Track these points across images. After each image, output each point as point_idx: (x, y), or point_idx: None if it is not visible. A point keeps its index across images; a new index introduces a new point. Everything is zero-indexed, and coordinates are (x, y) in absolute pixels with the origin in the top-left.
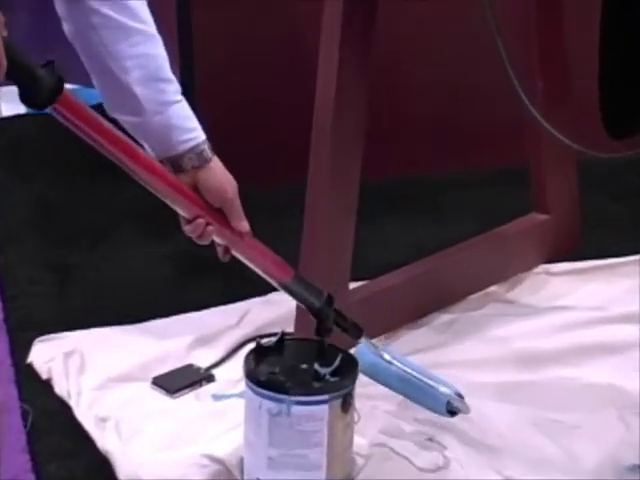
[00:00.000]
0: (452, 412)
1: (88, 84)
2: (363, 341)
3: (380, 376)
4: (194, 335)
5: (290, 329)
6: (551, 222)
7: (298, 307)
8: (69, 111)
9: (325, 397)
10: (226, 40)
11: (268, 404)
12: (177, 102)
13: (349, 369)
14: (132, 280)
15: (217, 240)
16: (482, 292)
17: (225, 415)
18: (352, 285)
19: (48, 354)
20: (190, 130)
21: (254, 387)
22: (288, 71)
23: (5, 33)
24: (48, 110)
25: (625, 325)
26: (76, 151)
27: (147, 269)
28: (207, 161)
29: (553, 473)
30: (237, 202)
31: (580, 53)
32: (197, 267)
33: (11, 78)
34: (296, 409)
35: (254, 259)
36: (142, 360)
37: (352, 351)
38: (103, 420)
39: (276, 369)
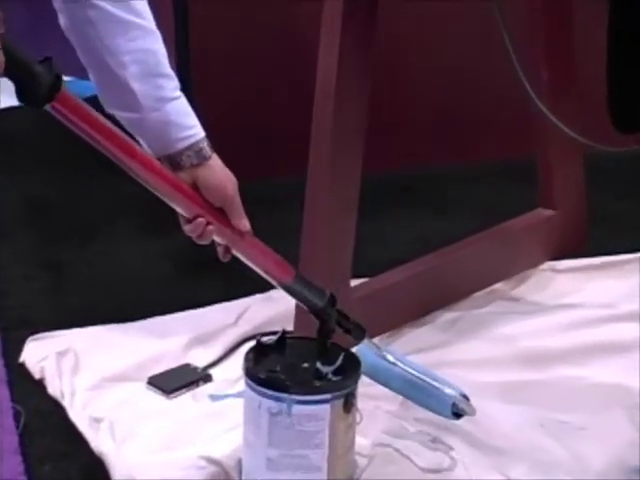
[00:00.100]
0: (457, 414)
1: (83, 76)
2: (365, 342)
3: (382, 377)
4: (191, 334)
5: (290, 327)
6: (557, 218)
7: (298, 305)
8: (67, 109)
9: (327, 396)
10: (224, 35)
11: (268, 403)
12: (176, 98)
13: (352, 368)
14: (127, 277)
15: (217, 240)
16: (487, 289)
17: (223, 416)
18: (353, 282)
19: (41, 353)
20: (189, 127)
21: (254, 386)
22: (287, 65)
23: (3, 29)
24: (46, 108)
25: (633, 323)
26: (71, 146)
27: (143, 266)
28: (206, 159)
29: (559, 475)
30: (237, 200)
31: (587, 44)
32: (194, 263)
33: (8, 75)
34: (297, 408)
35: (255, 259)
36: (137, 359)
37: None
38: (97, 421)
39: (276, 367)
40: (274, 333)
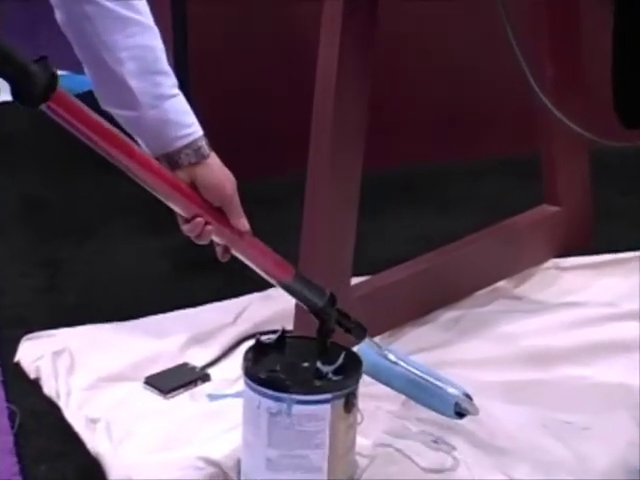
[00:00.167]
0: (460, 414)
1: (79, 71)
2: (366, 341)
3: (383, 377)
4: (189, 333)
5: (290, 326)
6: (562, 214)
7: (297, 304)
8: (63, 109)
9: (327, 396)
10: (222, 33)
11: (268, 403)
12: (174, 96)
13: (353, 367)
14: (125, 276)
15: (216, 239)
16: (490, 288)
17: (221, 416)
18: (354, 281)
19: (36, 353)
20: (187, 125)
21: (253, 385)
22: (286, 64)
23: None
24: (42, 108)
25: (638, 322)
26: (68, 144)
27: (140, 265)
28: (205, 157)
29: (562, 476)
30: (236, 199)
31: (592, 38)
32: (192, 262)
33: (2, 74)
34: (297, 408)
35: (254, 259)
36: (134, 359)
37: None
38: (93, 421)
39: (276, 367)
40: (273, 332)
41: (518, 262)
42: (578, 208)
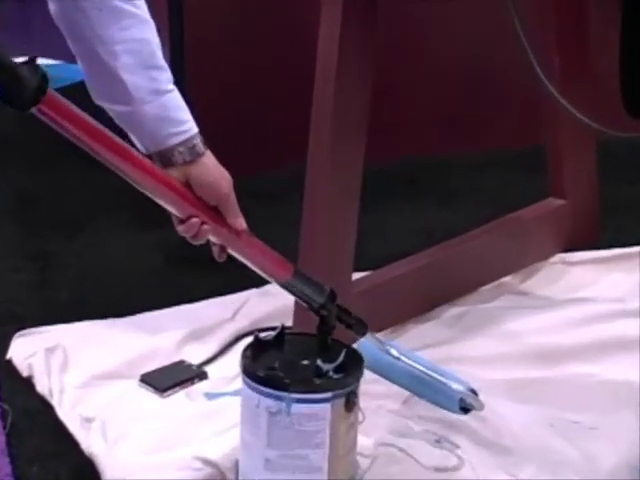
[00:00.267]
0: (465, 409)
1: (72, 60)
2: (368, 336)
3: (386, 372)
4: (185, 329)
5: (289, 323)
6: (569, 208)
7: (297, 301)
8: (54, 111)
9: (328, 395)
10: (219, 26)
11: (266, 402)
12: (169, 91)
13: (354, 365)
14: (118, 271)
15: (212, 239)
16: (494, 283)
17: (219, 415)
18: (355, 276)
19: (29, 350)
20: (182, 122)
21: (252, 384)
22: (285, 54)
23: None
24: (32, 111)
25: None
26: (59, 137)
27: (134, 259)
28: (199, 155)
29: (570, 476)
30: (233, 198)
31: (599, 27)
32: (188, 256)
33: None
34: (296, 407)
35: (252, 258)
36: (129, 356)
37: (354, 345)
38: (88, 420)
39: (275, 365)
40: (273, 329)
41: (524, 257)
42: (585, 201)
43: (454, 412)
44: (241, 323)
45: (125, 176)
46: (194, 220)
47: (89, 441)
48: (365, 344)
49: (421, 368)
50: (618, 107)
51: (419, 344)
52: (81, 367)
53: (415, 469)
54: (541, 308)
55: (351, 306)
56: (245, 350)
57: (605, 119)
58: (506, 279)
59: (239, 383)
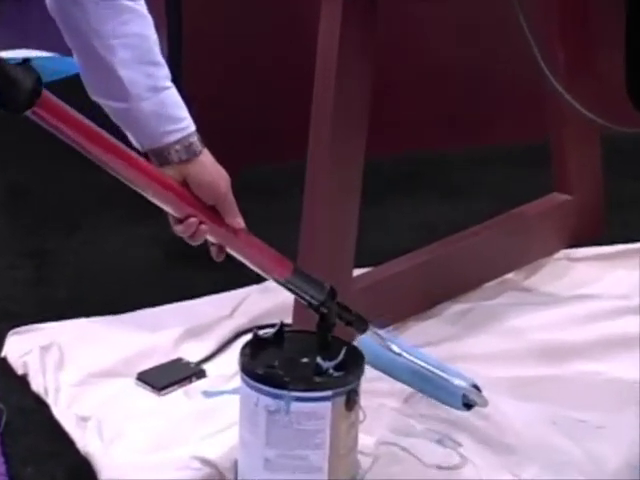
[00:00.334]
0: (468, 405)
1: (67, 53)
2: (369, 332)
3: (387, 368)
4: (183, 326)
5: (289, 320)
6: (573, 203)
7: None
8: (50, 114)
9: (328, 393)
10: (217, 18)
11: (265, 400)
12: (166, 88)
13: (354, 363)
14: (115, 267)
15: (210, 239)
16: (498, 280)
17: (217, 414)
18: (355, 272)
19: (24, 347)
20: (179, 120)
21: (250, 382)
22: (285, 48)
23: None
24: (27, 114)
25: None
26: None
27: (132, 255)
28: (196, 154)
29: (574, 476)
30: (231, 197)
31: (603, 21)
32: (186, 252)
33: None
34: (296, 406)
35: (251, 257)
36: (126, 354)
37: (355, 341)
38: (84, 419)
39: (275, 362)
40: (272, 326)
41: (527, 253)
42: (590, 196)
43: (457, 408)
44: (240, 320)
45: (122, 178)
46: (192, 220)
47: (85, 440)
48: (366, 340)
49: (423, 364)
50: (623, 102)
51: (421, 342)
52: (77, 365)
53: (417, 468)
54: (545, 305)
55: (352, 303)
56: (244, 348)
57: (610, 114)
58: (509, 275)
59: (238, 381)
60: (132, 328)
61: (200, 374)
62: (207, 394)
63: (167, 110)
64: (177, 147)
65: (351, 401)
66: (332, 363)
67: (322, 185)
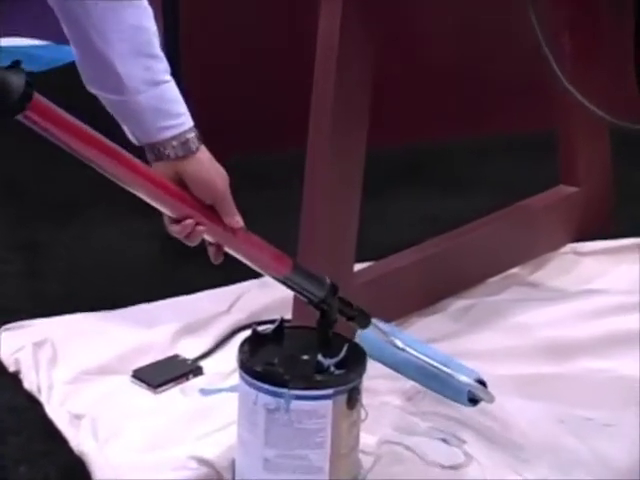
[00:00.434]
0: (473, 400)
1: (62, 41)
2: (371, 327)
3: (389, 361)
4: (180, 322)
5: (289, 315)
6: (581, 195)
7: None
8: (41, 117)
9: (329, 391)
10: (216, 6)
11: (265, 398)
12: (164, 82)
13: (356, 361)
14: (110, 261)
15: (208, 239)
16: (502, 275)
17: (214, 412)
18: (356, 267)
19: (16, 344)
20: (176, 115)
21: (249, 379)
22: (284, 36)
23: None
24: (18, 118)
25: None
26: None
27: (127, 248)
28: (193, 152)
29: (582, 476)
30: (229, 196)
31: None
32: (182, 245)
33: None
34: (296, 404)
35: (250, 255)
36: (121, 351)
37: (356, 335)
38: (78, 418)
39: (274, 359)
40: (271, 322)
41: (533, 247)
42: (598, 188)
43: (462, 404)
44: (238, 316)
45: (118, 181)
46: (189, 221)
47: (79, 439)
48: (368, 333)
49: (427, 359)
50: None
51: (424, 338)
52: (70, 362)
53: (420, 468)
54: (551, 300)
55: (353, 298)
56: (242, 344)
57: (619, 108)
58: (514, 270)
59: (236, 379)
60: (127, 324)
61: (197, 371)
62: (204, 392)
63: (164, 105)
64: (174, 143)
65: (353, 399)
66: (333, 360)
67: (322, 177)
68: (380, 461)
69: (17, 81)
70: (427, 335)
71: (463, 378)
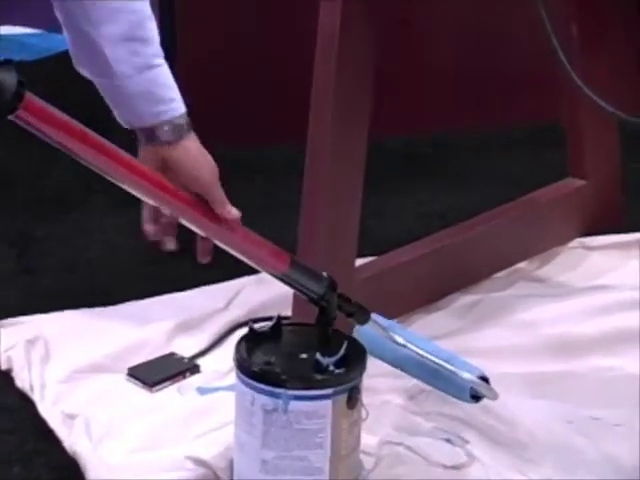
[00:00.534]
0: (476, 397)
1: (52, 29)
2: (370, 323)
3: (390, 358)
4: (176, 319)
5: (287, 312)
6: (589, 188)
7: None
8: (34, 117)
9: (328, 391)
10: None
11: (262, 399)
12: (154, 67)
13: (356, 359)
14: (105, 256)
15: (201, 233)
16: (509, 270)
17: (212, 411)
18: (358, 262)
19: (7, 342)
20: (165, 101)
21: (246, 379)
22: (284, 24)
23: None
24: (10, 118)
25: None
26: None
27: (123, 243)
28: (182, 138)
29: (590, 477)
30: (217, 185)
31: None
32: (181, 240)
33: None
34: (294, 405)
35: (247, 252)
36: (116, 348)
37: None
38: (71, 417)
39: (272, 359)
40: (269, 319)
41: (540, 241)
42: (607, 181)
43: (464, 401)
44: (235, 313)
45: (114, 179)
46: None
47: (72, 439)
48: (368, 329)
49: (428, 355)
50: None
51: (428, 335)
52: (64, 360)
53: (423, 469)
54: (559, 296)
55: (355, 294)
56: (239, 343)
57: (628, 102)
58: (521, 265)
59: (233, 377)
60: (122, 321)
61: (194, 370)
62: (201, 391)
63: (154, 89)
64: (165, 128)
65: (353, 399)
66: (332, 359)
67: (323, 171)
68: (381, 462)
69: (9, 80)
70: (431, 332)
71: (465, 375)
